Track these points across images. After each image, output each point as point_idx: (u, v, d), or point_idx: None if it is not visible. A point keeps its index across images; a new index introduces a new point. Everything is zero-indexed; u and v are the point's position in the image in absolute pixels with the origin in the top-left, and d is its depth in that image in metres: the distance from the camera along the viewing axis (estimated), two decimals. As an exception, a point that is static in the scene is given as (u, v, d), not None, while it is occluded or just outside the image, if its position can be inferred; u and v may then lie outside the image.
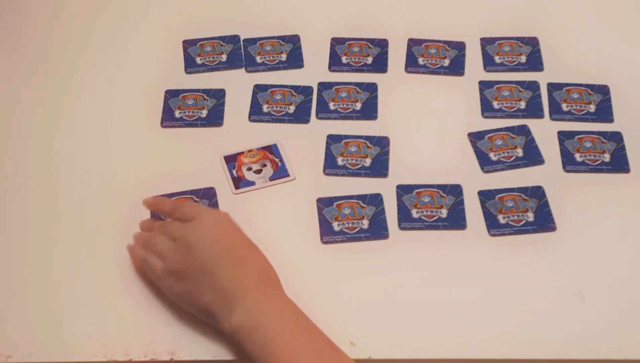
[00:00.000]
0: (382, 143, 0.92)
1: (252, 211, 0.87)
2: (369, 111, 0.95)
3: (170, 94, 0.98)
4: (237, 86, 0.98)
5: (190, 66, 1.01)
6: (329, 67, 1.00)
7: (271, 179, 0.89)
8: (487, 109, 0.95)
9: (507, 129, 0.93)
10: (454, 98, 0.97)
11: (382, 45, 1.02)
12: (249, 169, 0.90)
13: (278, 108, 0.96)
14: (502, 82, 0.98)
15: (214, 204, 0.86)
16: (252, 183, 0.89)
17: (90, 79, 1.00)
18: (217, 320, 0.74)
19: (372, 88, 0.97)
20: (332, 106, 0.96)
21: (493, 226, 0.85)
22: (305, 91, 0.97)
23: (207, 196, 0.87)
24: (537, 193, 0.87)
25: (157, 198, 0.85)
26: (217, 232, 0.77)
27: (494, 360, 0.76)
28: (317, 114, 0.95)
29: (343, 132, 0.93)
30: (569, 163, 0.90)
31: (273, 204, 0.87)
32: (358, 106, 0.96)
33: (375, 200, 0.86)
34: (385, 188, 0.88)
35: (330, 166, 0.90)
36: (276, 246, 0.83)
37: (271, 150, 0.91)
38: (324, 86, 0.98)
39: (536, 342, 0.76)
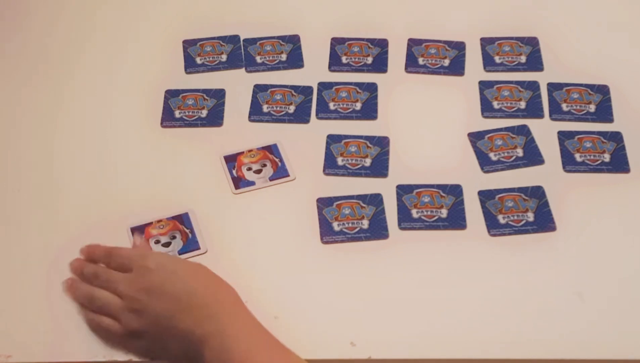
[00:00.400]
0: (382, 143, 0.92)
1: (252, 211, 0.87)
2: (369, 111, 0.95)
3: (170, 94, 0.98)
4: (237, 86, 0.98)
5: (190, 66, 1.01)
6: (329, 67, 1.00)
7: (271, 179, 0.89)
8: (487, 109, 0.95)
9: (507, 129, 0.93)
10: (454, 98, 0.97)
11: (382, 45, 1.02)
12: (249, 169, 0.90)
13: (278, 108, 0.96)
14: (502, 82, 0.98)
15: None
16: (252, 183, 0.89)
17: (90, 79, 1.00)
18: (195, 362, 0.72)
19: (372, 88, 0.97)
20: (332, 106, 0.96)
21: (493, 226, 0.85)
22: (305, 91, 0.97)
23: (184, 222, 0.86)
24: (537, 193, 0.87)
25: (91, 246, 0.81)
26: (161, 278, 0.73)
27: (494, 360, 0.76)
28: (317, 114, 0.95)
29: (343, 132, 0.93)
30: (569, 163, 0.90)
31: (273, 204, 0.87)
32: (358, 106, 0.96)
33: (375, 200, 0.86)
34: (385, 188, 0.88)
35: (330, 166, 0.90)
36: (276, 246, 0.83)
37: (271, 150, 0.91)
38: (324, 86, 0.98)
39: (536, 342, 0.76)
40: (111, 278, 0.76)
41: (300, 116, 0.95)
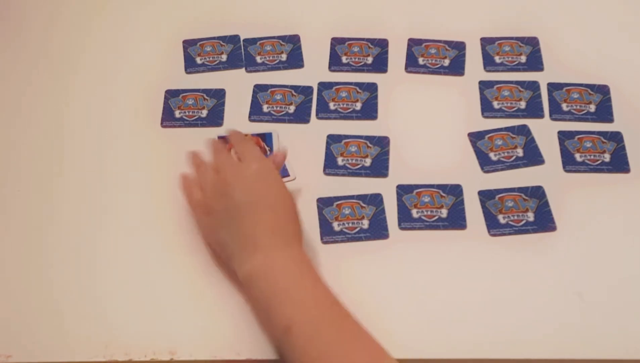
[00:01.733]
0: (382, 142, 0.92)
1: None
2: (369, 111, 0.95)
3: (170, 94, 0.98)
4: (237, 86, 0.98)
5: (190, 66, 1.01)
6: (329, 67, 1.00)
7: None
8: (487, 109, 0.95)
9: (507, 129, 0.93)
10: (454, 98, 0.97)
11: (382, 45, 1.02)
12: None
13: (278, 108, 0.96)
14: (502, 82, 0.98)
15: None
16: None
17: (90, 79, 1.00)
18: (233, 264, 0.77)
19: (372, 88, 0.97)
20: (332, 105, 0.96)
21: (493, 226, 0.85)
22: (305, 90, 0.97)
23: None
24: (537, 193, 0.87)
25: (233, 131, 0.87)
26: (254, 180, 0.79)
27: (494, 360, 0.76)
28: (317, 114, 0.95)
29: (343, 132, 0.93)
30: (569, 162, 0.90)
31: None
32: (358, 106, 0.96)
33: (375, 200, 0.86)
34: (385, 188, 0.88)
35: (330, 166, 0.90)
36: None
37: (264, 138, 0.90)
38: (324, 86, 0.97)
39: (536, 342, 0.76)
40: (222, 160, 0.82)
41: (300, 116, 0.95)
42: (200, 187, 0.82)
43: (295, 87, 0.97)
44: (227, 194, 0.78)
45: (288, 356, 0.71)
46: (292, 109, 0.96)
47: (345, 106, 0.96)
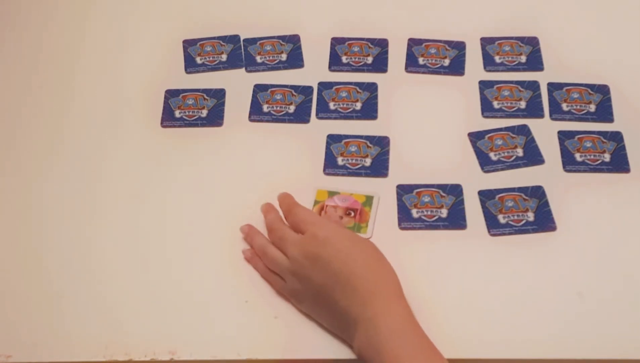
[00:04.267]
0: (382, 142, 0.92)
1: (252, 210, 0.86)
2: (369, 111, 0.95)
3: (171, 94, 0.98)
4: (237, 86, 0.98)
5: (191, 65, 1.01)
6: (329, 67, 1.00)
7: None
8: (487, 109, 0.95)
9: (507, 129, 0.93)
10: (454, 98, 0.97)
11: (382, 45, 1.02)
12: None
13: (278, 108, 0.96)
14: (502, 82, 0.98)
15: None
16: (252, 183, 0.89)
17: (90, 79, 1.00)
18: (346, 338, 0.74)
19: (372, 88, 0.97)
20: (332, 105, 0.96)
21: (493, 226, 0.84)
22: (305, 90, 0.97)
23: None
24: (537, 193, 0.87)
25: (284, 194, 0.83)
26: (328, 251, 0.74)
27: (494, 360, 0.76)
28: (317, 114, 0.95)
29: (343, 132, 0.93)
30: (569, 162, 0.90)
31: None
32: (358, 105, 0.96)
33: (369, 202, 0.86)
34: (385, 187, 0.88)
35: (330, 165, 0.90)
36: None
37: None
38: (324, 86, 0.97)
39: (536, 342, 0.76)
40: (284, 236, 0.78)
41: (300, 116, 0.95)
42: (275, 272, 0.79)
43: (295, 87, 0.97)
44: (309, 276, 0.75)
45: None
46: (292, 109, 0.96)
47: (345, 105, 0.96)
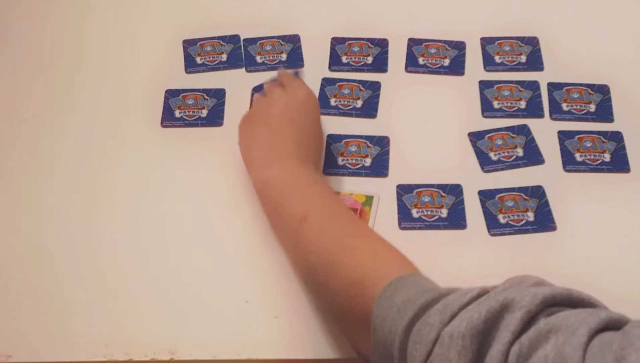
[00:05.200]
0: (382, 142, 0.92)
1: (252, 210, 0.86)
2: (369, 110, 0.95)
3: (171, 94, 0.98)
4: (237, 86, 0.98)
5: (191, 65, 1.01)
6: (329, 67, 1.00)
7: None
8: (487, 108, 0.95)
9: (507, 128, 0.93)
10: (454, 98, 0.97)
11: (382, 45, 1.02)
12: None
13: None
14: (502, 81, 0.98)
15: None
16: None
17: (91, 79, 1.00)
18: (252, 170, 0.83)
19: (375, 87, 0.97)
20: (333, 102, 0.96)
21: (493, 225, 0.85)
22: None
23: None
24: (537, 193, 0.87)
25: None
26: (296, 105, 0.85)
27: (494, 360, 0.76)
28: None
29: (342, 130, 0.93)
30: (569, 162, 0.90)
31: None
32: (359, 103, 0.96)
33: (369, 202, 0.86)
34: (385, 187, 0.88)
35: (331, 165, 0.90)
36: (277, 246, 0.83)
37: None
38: (327, 82, 0.97)
39: (536, 342, 0.76)
40: (276, 85, 0.89)
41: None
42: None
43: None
44: (273, 106, 0.85)
45: (304, 245, 0.74)
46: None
47: (346, 103, 0.96)
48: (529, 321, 0.55)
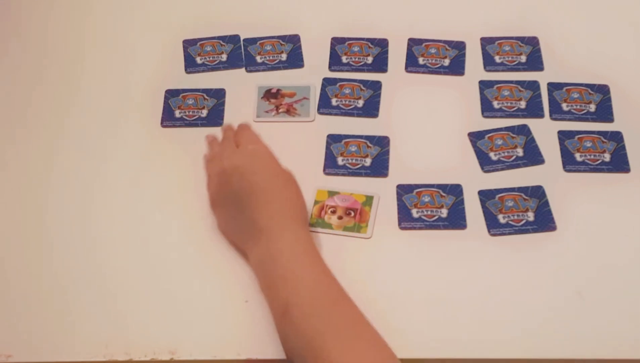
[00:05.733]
0: (382, 142, 0.92)
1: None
2: (371, 109, 0.95)
3: (171, 94, 0.98)
4: (237, 86, 0.98)
5: (191, 65, 1.01)
6: (329, 67, 1.00)
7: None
8: (487, 108, 0.95)
9: (507, 128, 0.93)
10: (454, 98, 0.97)
11: (382, 45, 1.02)
12: None
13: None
14: (502, 81, 0.98)
15: None
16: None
17: (91, 79, 1.00)
18: (247, 252, 0.79)
19: (376, 86, 0.97)
20: (334, 101, 0.96)
21: (493, 225, 0.84)
22: (304, 90, 0.97)
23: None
24: (537, 193, 0.87)
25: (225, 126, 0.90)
26: (250, 163, 0.80)
27: (494, 360, 0.76)
28: (318, 109, 0.95)
29: (343, 129, 0.93)
30: (569, 162, 0.90)
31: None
32: (360, 103, 0.96)
33: (369, 201, 0.86)
34: (386, 187, 0.88)
35: (331, 165, 0.90)
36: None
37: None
38: (328, 82, 0.97)
39: (536, 342, 0.76)
40: (223, 146, 0.85)
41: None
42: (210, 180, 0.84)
43: (297, 88, 0.97)
44: (227, 183, 0.80)
45: (288, 338, 0.72)
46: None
47: (347, 102, 0.96)
48: None
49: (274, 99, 0.95)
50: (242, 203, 0.79)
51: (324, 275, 0.75)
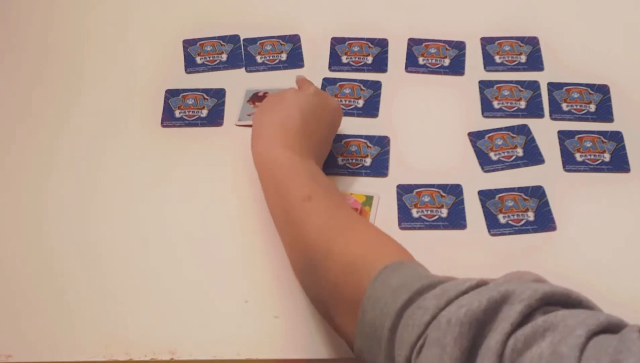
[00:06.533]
0: (382, 142, 0.92)
1: (252, 210, 0.86)
2: (371, 109, 0.95)
3: (171, 94, 0.98)
4: (237, 86, 0.98)
5: (191, 65, 1.01)
6: (329, 67, 1.00)
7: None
8: (487, 108, 0.95)
9: (507, 128, 0.93)
10: (454, 98, 0.97)
11: (382, 45, 1.02)
12: None
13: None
14: (502, 81, 0.98)
15: None
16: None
17: (91, 79, 1.00)
18: (259, 145, 0.82)
19: (376, 86, 0.97)
20: (335, 102, 0.96)
21: (493, 225, 0.85)
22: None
23: None
24: (537, 193, 0.87)
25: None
26: (311, 98, 0.85)
27: (494, 360, 0.76)
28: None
29: (343, 129, 0.93)
30: (569, 162, 0.90)
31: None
32: (360, 103, 0.96)
33: (369, 201, 0.86)
34: (385, 187, 0.88)
35: (331, 165, 0.90)
36: (276, 246, 0.83)
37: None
38: (328, 82, 0.98)
39: (536, 342, 0.76)
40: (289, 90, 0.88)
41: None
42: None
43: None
44: (299, 99, 0.84)
45: (304, 223, 0.74)
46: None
47: (347, 102, 0.96)
48: (528, 315, 0.55)
49: (259, 103, 0.94)
50: (296, 117, 0.82)
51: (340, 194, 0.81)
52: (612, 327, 0.53)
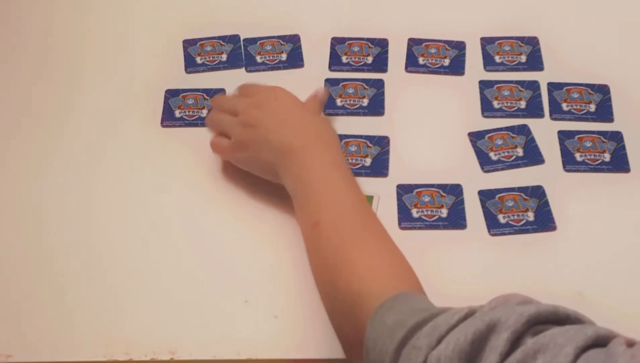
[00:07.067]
0: (382, 142, 0.92)
1: (252, 210, 0.86)
2: (376, 107, 0.95)
3: (171, 94, 0.98)
4: (237, 85, 0.98)
5: (191, 65, 1.01)
6: (329, 67, 1.00)
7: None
8: (487, 108, 0.95)
9: (507, 128, 0.93)
10: (454, 98, 0.97)
11: (382, 45, 1.02)
12: None
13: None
14: (502, 81, 0.98)
15: None
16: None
17: (90, 79, 1.00)
18: (282, 180, 0.81)
19: (378, 84, 0.97)
20: (339, 102, 0.96)
21: (493, 225, 0.85)
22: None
23: None
24: (537, 193, 0.87)
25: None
26: (274, 102, 0.84)
27: (494, 360, 0.76)
28: (324, 110, 0.95)
29: (348, 128, 0.93)
30: (569, 162, 0.90)
31: (272, 203, 0.87)
32: (365, 102, 0.96)
33: (369, 201, 0.86)
34: (385, 187, 0.88)
35: (331, 165, 0.90)
36: (276, 246, 0.83)
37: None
38: (330, 82, 0.97)
39: (536, 342, 0.76)
40: (235, 102, 0.87)
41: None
42: (224, 134, 0.86)
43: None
44: (256, 123, 0.82)
45: (314, 249, 0.76)
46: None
47: (352, 102, 0.96)
48: (516, 341, 0.55)
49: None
50: (273, 134, 0.81)
51: (355, 195, 0.78)
52: (601, 340, 0.54)
